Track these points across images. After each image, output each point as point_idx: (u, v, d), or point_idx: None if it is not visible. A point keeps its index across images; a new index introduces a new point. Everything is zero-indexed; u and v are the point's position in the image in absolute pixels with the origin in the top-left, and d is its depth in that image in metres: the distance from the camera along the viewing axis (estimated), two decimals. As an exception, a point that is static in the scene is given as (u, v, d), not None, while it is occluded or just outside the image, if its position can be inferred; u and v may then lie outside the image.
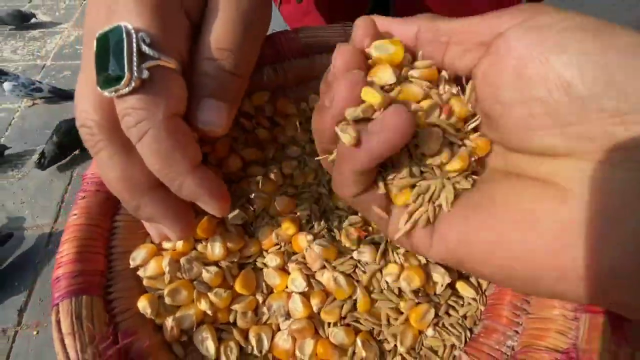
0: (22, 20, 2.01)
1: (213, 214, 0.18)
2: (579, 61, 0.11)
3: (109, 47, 0.15)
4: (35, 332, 1.08)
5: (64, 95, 1.69)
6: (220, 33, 0.17)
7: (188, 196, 0.17)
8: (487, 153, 0.15)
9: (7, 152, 1.47)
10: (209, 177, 0.17)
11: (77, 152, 1.48)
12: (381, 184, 0.15)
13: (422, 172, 0.14)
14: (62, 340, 0.17)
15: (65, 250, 0.19)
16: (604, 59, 0.10)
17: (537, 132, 0.12)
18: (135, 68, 0.15)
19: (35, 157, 1.42)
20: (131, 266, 0.20)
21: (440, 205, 0.14)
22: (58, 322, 0.18)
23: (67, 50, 1.96)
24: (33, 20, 2.07)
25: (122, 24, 0.15)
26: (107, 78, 0.15)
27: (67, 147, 1.41)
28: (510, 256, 0.12)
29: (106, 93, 0.16)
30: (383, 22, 0.15)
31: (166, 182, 0.17)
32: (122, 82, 0.15)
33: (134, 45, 0.15)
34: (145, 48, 0.15)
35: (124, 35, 0.15)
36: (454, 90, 0.15)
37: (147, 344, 0.18)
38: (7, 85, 1.60)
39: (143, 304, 0.19)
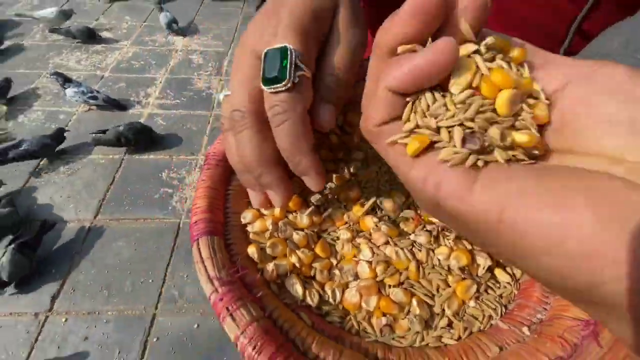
0: (88, 36, 2.26)
1: (312, 188, 0.24)
2: None
3: (275, 59, 0.22)
4: (64, 320, 1.15)
5: (115, 104, 1.86)
6: (339, 58, 0.24)
7: (301, 171, 0.23)
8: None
9: (61, 147, 1.62)
10: (317, 159, 0.23)
11: (124, 149, 1.62)
12: (413, 115, 0.15)
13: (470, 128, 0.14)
14: (203, 263, 0.23)
15: (199, 204, 0.26)
16: None
17: (608, 137, 0.13)
18: (292, 74, 0.21)
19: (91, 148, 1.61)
20: (242, 223, 0.27)
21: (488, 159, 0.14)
22: (199, 250, 0.24)
23: (124, 65, 2.17)
24: (98, 36, 2.32)
25: (287, 44, 0.22)
26: (270, 79, 0.22)
27: (124, 140, 1.57)
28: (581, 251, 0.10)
29: (265, 88, 0.22)
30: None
31: (289, 159, 0.23)
32: (282, 83, 0.21)
33: (293, 59, 0.21)
34: (298, 62, 0.22)
35: (289, 52, 0.21)
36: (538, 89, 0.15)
37: (256, 278, 0.24)
38: (69, 91, 1.78)
39: (252, 250, 0.26)
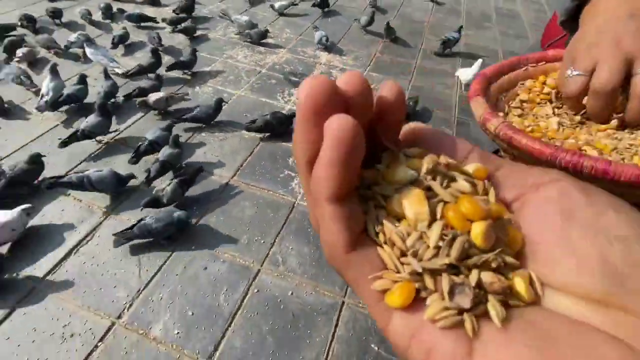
0: (260, 38, 2.76)
1: None
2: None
3: None
4: (192, 247, 1.40)
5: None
6: None
7: None
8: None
9: (219, 119, 2.00)
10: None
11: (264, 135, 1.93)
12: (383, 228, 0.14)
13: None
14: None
15: None
16: None
17: (582, 276, 0.12)
18: None
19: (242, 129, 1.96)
20: None
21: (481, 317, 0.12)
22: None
23: (278, 66, 2.59)
24: (264, 40, 2.81)
25: None
26: None
27: (269, 126, 1.89)
28: None
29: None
30: (434, 132, 0.16)
31: None
32: None
33: None
34: None
35: None
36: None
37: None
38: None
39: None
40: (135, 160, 1.67)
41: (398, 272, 0.13)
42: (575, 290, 0.12)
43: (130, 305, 1.22)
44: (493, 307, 0.12)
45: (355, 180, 0.14)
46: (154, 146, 1.69)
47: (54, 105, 1.85)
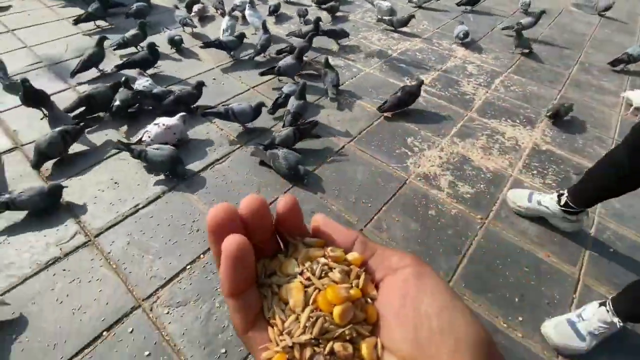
0: (401, 25, 2.78)
1: None
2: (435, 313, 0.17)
3: None
4: (296, 194, 1.47)
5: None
6: None
7: None
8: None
9: (346, 89, 2.06)
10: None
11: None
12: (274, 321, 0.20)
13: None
14: None
15: None
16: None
17: (409, 347, 0.17)
18: None
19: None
20: None
21: None
22: None
23: (409, 53, 2.55)
24: (400, 29, 2.81)
25: None
26: None
27: (403, 102, 1.89)
28: None
29: None
30: (329, 223, 0.22)
31: None
32: None
33: None
34: None
35: None
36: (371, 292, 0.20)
37: None
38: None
39: None
40: (272, 111, 1.84)
41: (278, 345, 0.18)
42: (400, 353, 0.18)
43: (244, 224, 1.34)
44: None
45: (251, 278, 0.19)
46: (287, 98, 1.83)
47: (208, 45, 2.24)
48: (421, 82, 1.93)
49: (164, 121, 1.57)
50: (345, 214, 1.41)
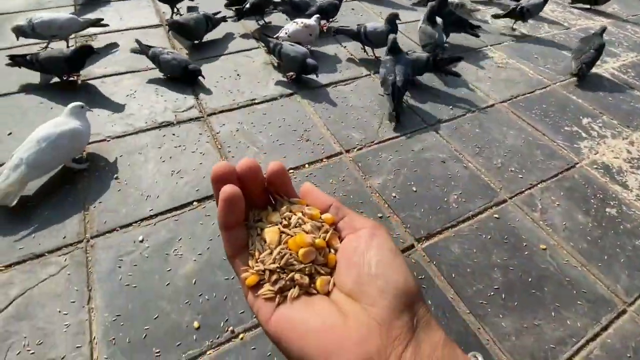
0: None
1: None
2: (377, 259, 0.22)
3: None
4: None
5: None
6: None
7: None
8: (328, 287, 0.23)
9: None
10: None
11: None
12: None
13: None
14: None
15: None
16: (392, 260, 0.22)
17: (352, 285, 0.22)
18: None
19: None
20: None
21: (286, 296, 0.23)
22: None
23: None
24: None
25: None
26: None
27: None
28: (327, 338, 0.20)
29: None
30: (313, 190, 0.27)
31: None
32: None
33: None
34: None
35: None
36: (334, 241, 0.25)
37: None
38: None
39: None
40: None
41: (253, 269, 0.24)
42: (345, 289, 0.22)
43: (360, 149, 1.14)
44: (292, 292, 0.23)
45: (240, 219, 0.24)
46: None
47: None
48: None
49: (303, 20, 1.44)
50: (485, 175, 1.09)
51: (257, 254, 0.24)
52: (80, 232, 0.85)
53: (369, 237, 0.23)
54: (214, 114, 1.21)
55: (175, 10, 1.68)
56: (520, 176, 1.11)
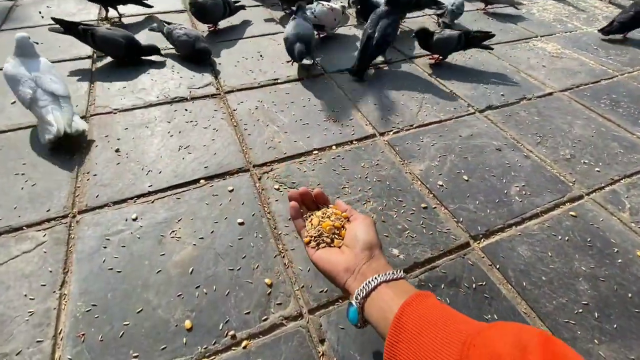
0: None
1: None
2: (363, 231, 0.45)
3: None
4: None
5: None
6: None
7: None
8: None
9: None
10: None
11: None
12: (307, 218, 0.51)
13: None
14: None
15: None
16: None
17: (348, 242, 0.45)
18: None
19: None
20: None
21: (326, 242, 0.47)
22: None
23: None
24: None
25: None
26: None
27: None
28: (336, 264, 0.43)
29: None
30: (340, 202, 0.52)
31: None
32: None
33: None
34: None
35: None
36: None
37: None
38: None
39: None
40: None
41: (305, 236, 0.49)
42: (345, 244, 0.45)
43: (397, 132, 0.97)
44: (322, 245, 0.46)
45: (300, 215, 0.50)
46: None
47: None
48: None
49: (328, 3, 1.32)
50: (551, 167, 0.89)
51: (307, 228, 0.49)
52: (67, 206, 0.72)
53: (359, 221, 0.47)
54: (232, 91, 1.09)
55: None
56: (597, 170, 0.90)
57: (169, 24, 1.26)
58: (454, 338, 0.29)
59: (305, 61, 1.10)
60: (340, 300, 0.60)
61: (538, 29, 1.66)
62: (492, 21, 1.73)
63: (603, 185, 0.86)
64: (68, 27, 1.16)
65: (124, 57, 1.17)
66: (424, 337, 0.31)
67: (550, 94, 1.19)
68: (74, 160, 0.82)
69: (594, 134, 1.02)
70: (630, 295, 0.63)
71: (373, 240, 0.44)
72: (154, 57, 1.21)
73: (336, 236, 0.46)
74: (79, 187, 0.76)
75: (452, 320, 0.31)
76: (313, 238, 0.47)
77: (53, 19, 1.17)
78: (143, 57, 1.20)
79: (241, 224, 0.70)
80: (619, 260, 0.69)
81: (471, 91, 1.17)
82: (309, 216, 0.50)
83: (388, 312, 0.35)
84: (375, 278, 0.38)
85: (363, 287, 0.38)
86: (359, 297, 0.38)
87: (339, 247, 0.45)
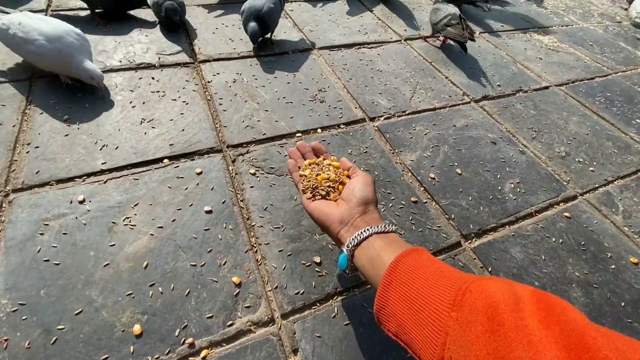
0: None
1: None
2: (361, 187, 0.47)
3: None
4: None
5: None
6: None
7: None
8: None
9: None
10: None
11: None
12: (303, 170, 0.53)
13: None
14: None
15: None
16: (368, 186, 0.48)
17: (344, 196, 0.47)
18: None
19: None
20: None
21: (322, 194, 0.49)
22: None
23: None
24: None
25: None
26: None
27: None
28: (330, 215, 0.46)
29: None
30: (345, 160, 0.54)
31: None
32: None
33: None
34: None
35: None
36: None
37: None
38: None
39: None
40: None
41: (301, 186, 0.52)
42: (342, 198, 0.47)
43: (388, 118, 0.90)
44: (316, 197, 0.49)
45: (297, 167, 0.54)
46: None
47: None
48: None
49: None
50: (545, 164, 0.85)
51: (303, 181, 0.51)
52: (0, 183, 0.61)
53: (358, 177, 0.49)
54: (208, 61, 0.97)
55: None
56: (592, 169, 0.86)
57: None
58: (448, 284, 0.30)
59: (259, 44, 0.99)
60: (318, 304, 0.54)
61: (535, 20, 1.61)
62: (491, 5, 1.66)
63: (597, 185, 0.82)
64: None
65: (112, 9, 1.02)
66: (417, 283, 0.32)
67: (547, 87, 1.15)
68: (13, 129, 0.70)
69: (589, 132, 0.99)
70: (623, 304, 0.60)
71: (369, 196, 0.46)
72: (135, 12, 1.06)
73: (332, 189, 0.49)
74: (15, 160, 0.65)
75: (446, 270, 0.33)
76: (309, 189, 0.49)
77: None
78: (128, 12, 1.06)
79: (209, 212, 0.62)
80: (613, 266, 0.66)
81: (467, 79, 1.10)
82: (307, 167, 0.53)
83: (377, 259, 0.38)
84: (367, 229, 0.41)
85: (355, 236, 0.41)
86: (350, 245, 0.41)
87: (335, 201, 0.47)
